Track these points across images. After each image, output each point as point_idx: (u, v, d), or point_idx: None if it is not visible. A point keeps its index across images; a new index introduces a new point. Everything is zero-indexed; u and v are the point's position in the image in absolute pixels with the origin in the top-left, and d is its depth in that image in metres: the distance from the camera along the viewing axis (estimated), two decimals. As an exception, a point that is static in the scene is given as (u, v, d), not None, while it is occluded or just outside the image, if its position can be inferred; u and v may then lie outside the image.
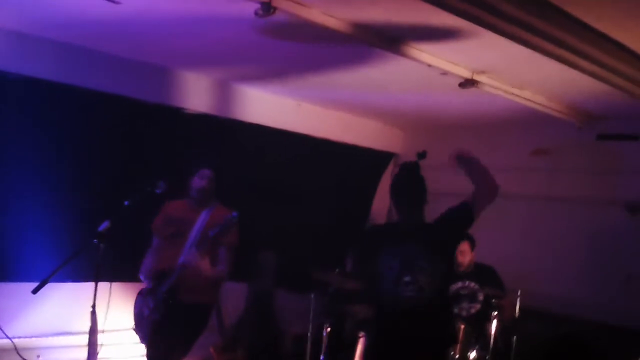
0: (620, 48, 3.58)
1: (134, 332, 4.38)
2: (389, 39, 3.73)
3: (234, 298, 5.65)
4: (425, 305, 3.43)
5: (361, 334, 5.10)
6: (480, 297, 4.89)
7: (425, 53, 3.94)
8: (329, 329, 4.78)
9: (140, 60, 4.87)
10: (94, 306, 3.34)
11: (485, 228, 5.95)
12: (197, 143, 5.35)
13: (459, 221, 3.93)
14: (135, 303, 4.43)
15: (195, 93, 5.28)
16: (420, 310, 3.43)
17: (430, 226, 3.79)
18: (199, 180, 4.31)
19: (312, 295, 4.95)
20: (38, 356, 4.73)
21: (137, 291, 5.28)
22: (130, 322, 4.67)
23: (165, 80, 5.10)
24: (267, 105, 5.77)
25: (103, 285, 3.43)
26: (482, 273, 5.13)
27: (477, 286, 4.91)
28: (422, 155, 7.00)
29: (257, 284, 6.05)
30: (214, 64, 4.89)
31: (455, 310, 4.79)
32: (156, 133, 5.15)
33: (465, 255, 5.13)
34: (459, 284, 5.00)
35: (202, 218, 4.28)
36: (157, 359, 4.32)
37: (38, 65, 4.42)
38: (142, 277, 4.33)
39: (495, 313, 4.58)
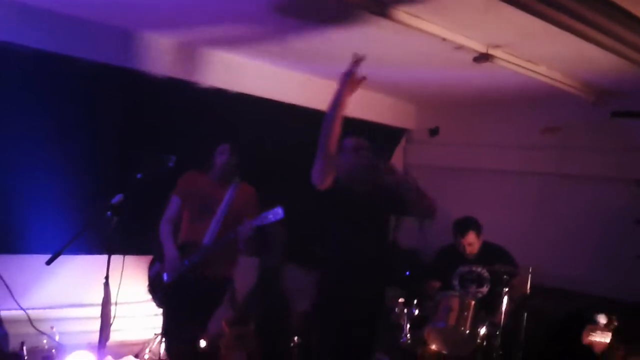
0: (639, 23, 3.53)
1: (148, 293, 4.65)
2: (403, 12, 3.68)
3: (245, 272, 5.67)
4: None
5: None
6: (487, 283, 4.89)
7: (440, 27, 3.89)
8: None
9: (149, 33, 4.84)
10: (107, 278, 3.35)
11: (496, 206, 5.99)
12: (209, 117, 5.35)
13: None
14: (151, 266, 4.52)
15: (207, 67, 5.25)
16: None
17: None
18: (220, 156, 4.48)
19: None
20: (52, 327, 4.78)
21: (148, 264, 5.34)
22: (144, 290, 4.78)
23: (175, 54, 5.07)
24: (277, 79, 5.74)
25: (116, 258, 3.44)
26: (491, 253, 5.13)
27: (484, 270, 4.91)
28: (434, 131, 7.05)
29: (267, 259, 6.07)
30: (225, 39, 4.86)
31: (462, 291, 4.80)
32: (167, 107, 5.14)
33: (474, 245, 5.12)
34: (466, 268, 5.01)
35: (228, 195, 4.48)
36: (177, 332, 4.46)
37: (45, 37, 4.38)
38: (163, 238, 4.52)
39: (506, 290, 4.59)
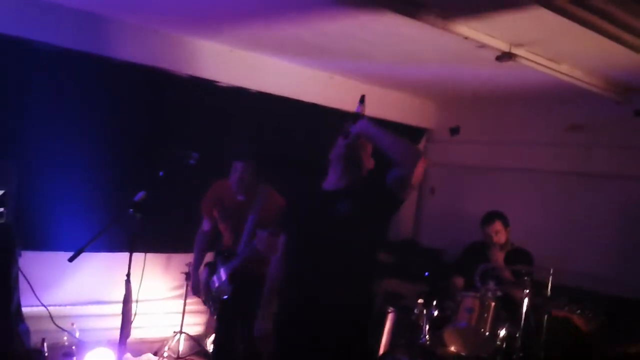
0: (663, 20, 3.48)
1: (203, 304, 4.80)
2: (425, 10, 3.66)
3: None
4: None
5: (390, 309, 5.11)
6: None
7: (463, 25, 3.86)
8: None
9: (169, 31, 4.87)
10: (128, 275, 3.36)
11: (518, 204, 5.93)
12: (230, 116, 5.36)
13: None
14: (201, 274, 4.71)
15: (226, 66, 5.27)
16: None
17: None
18: (234, 174, 4.48)
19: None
20: (72, 324, 4.82)
21: (169, 262, 5.38)
22: (164, 287, 4.78)
23: (196, 52, 5.09)
24: (298, 78, 5.73)
25: (137, 256, 3.45)
26: (515, 254, 5.10)
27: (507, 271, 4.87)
28: (455, 130, 7.01)
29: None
30: (245, 35, 4.86)
31: (482, 290, 4.77)
32: (190, 105, 5.17)
33: (500, 234, 5.11)
34: (490, 265, 4.97)
35: (257, 203, 4.48)
36: (230, 331, 4.58)
37: (71, 35, 4.44)
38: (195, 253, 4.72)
39: (527, 291, 4.54)
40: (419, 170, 2.92)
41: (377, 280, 5.27)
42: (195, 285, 4.73)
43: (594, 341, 4.80)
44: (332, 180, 3.22)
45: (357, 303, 3.10)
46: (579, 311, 4.40)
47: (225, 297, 4.48)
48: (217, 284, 4.53)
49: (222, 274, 4.50)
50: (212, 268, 4.60)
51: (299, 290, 3.16)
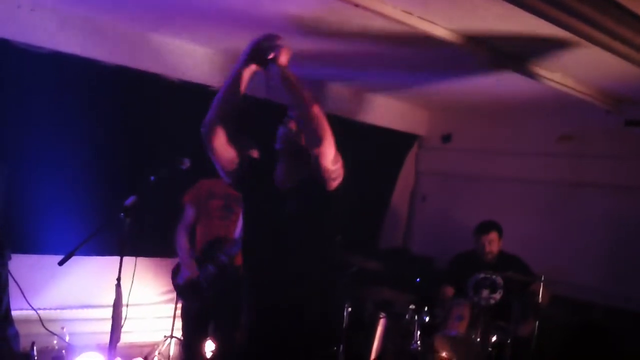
0: (656, 31, 3.51)
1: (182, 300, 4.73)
2: (417, 17, 3.68)
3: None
4: None
5: (382, 314, 5.11)
6: (500, 289, 4.87)
7: (454, 33, 3.88)
8: (349, 309, 4.79)
9: (160, 35, 4.86)
10: (118, 279, 3.35)
11: (511, 214, 5.94)
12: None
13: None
14: (177, 274, 4.67)
15: (219, 71, 5.26)
16: None
17: None
18: None
19: (334, 275, 4.95)
20: (62, 328, 4.78)
21: (160, 266, 5.34)
22: (155, 292, 4.75)
23: (188, 57, 5.08)
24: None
25: (128, 260, 3.44)
26: (507, 261, 5.12)
27: (498, 277, 4.89)
28: (447, 138, 7.03)
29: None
30: (235, 40, 4.84)
31: (475, 299, 4.78)
32: (182, 109, 5.15)
33: (493, 244, 5.14)
34: (482, 275, 4.98)
35: None
36: (225, 324, 4.59)
37: (64, 39, 4.42)
38: (181, 248, 4.61)
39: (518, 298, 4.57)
40: (316, 111, 2.76)
41: (370, 287, 5.29)
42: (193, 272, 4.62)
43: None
44: (280, 176, 3.08)
45: (311, 308, 2.96)
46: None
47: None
48: (204, 278, 4.54)
49: (223, 258, 4.55)
50: (208, 255, 4.61)
51: (255, 290, 3.09)
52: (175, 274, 4.74)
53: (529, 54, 4.11)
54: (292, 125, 3.05)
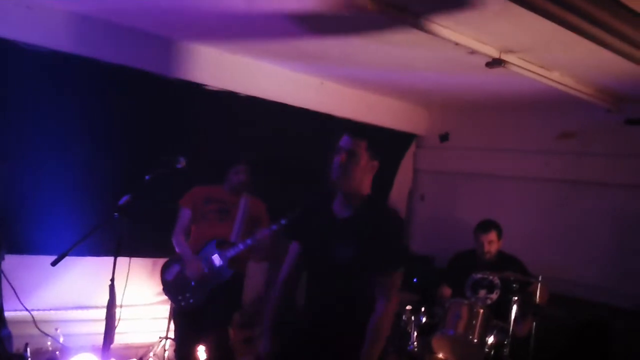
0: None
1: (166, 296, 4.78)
2: (414, 15, 3.64)
3: (254, 276, 5.67)
4: None
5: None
6: (497, 289, 4.84)
7: (453, 31, 3.84)
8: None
9: (159, 35, 4.82)
10: (112, 280, 3.32)
11: (510, 212, 5.92)
12: (217, 120, 5.32)
13: None
14: (167, 269, 4.71)
15: (216, 69, 5.22)
16: None
17: None
18: (237, 175, 4.77)
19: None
20: (56, 329, 4.75)
21: (154, 267, 5.31)
22: (149, 293, 4.73)
23: (185, 55, 5.04)
24: (288, 83, 5.70)
25: (122, 260, 3.41)
26: (504, 261, 5.11)
27: (496, 278, 4.87)
28: (444, 137, 7.00)
29: (276, 264, 6.03)
30: (233, 39, 4.83)
31: (472, 299, 4.76)
32: (177, 109, 5.12)
33: (493, 244, 5.12)
34: (479, 275, 4.96)
35: (244, 201, 4.79)
36: (211, 324, 4.66)
37: (59, 37, 4.38)
38: (181, 248, 4.68)
39: (515, 298, 4.53)
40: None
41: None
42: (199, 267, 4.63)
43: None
44: (337, 205, 3.18)
45: (348, 333, 3.08)
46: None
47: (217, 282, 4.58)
48: (217, 264, 4.58)
49: (217, 260, 4.58)
50: (202, 256, 4.65)
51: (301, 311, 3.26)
52: (164, 270, 4.73)
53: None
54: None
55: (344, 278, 3.04)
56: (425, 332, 4.85)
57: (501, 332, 4.63)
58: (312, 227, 3.20)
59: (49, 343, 4.70)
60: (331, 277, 3.08)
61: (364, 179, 3.12)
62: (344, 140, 3.12)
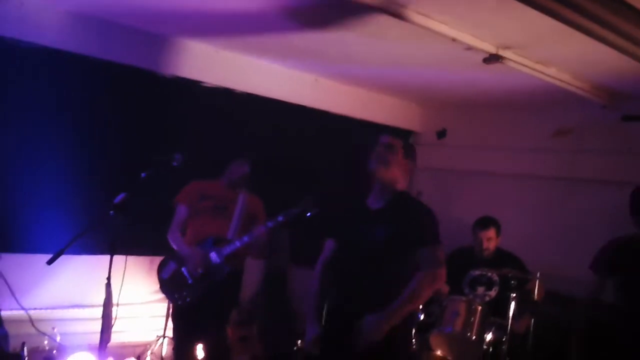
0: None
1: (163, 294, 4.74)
2: (413, 12, 3.63)
3: (250, 274, 5.65)
4: None
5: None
6: (496, 286, 4.84)
7: (450, 27, 3.83)
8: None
9: (154, 31, 4.80)
10: (109, 279, 3.31)
11: (507, 210, 5.91)
12: (214, 117, 5.31)
13: None
14: (163, 268, 4.65)
15: (212, 67, 5.21)
16: None
17: None
18: (239, 169, 4.75)
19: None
20: (53, 328, 4.75)
21: (151, 265, 5.29)
22: (146, 291, 4.72)
23: (181, 53, 5.03)
24: (284, 80, 5.68)
25: (118, 259, 3.40)
26: (502, 258, 5.11)
27: (494, 274, 4.87)
28: (441, 134, 6.99)
29: (274, 261, 6.03)
30: (228, 36, 4.81)
31: (471, 296, 4.76)
32: (173, 106, 5.11)
33: (491, 242, 5.15)
34: (477, 272, 4.96)
35: (241, 199, 4.74)
36: (209, 322, 4.63)
37: (53, 34, 4.36)
38: (178, 244, 4.62)
39: (514, 295, 4.53)
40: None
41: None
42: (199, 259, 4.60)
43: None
44: (371, 199, 3.43)
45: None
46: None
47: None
48: (213, 262, 4.55)
49: (214, 257, 4.54)
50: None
51: (333, 296, 3.44)
52: (161, 268, 4.70)
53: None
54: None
55: (377, 262, 3.23)
56: (423, 329, 4.85)
57: (499, 329, 4.64)
58: (347, 222, 3.45)
59: (45, 342, 4.70)
60: (365, 263, 3.27)
61: (399, 174, 3.37)
62: (383, 137, 3.40)
